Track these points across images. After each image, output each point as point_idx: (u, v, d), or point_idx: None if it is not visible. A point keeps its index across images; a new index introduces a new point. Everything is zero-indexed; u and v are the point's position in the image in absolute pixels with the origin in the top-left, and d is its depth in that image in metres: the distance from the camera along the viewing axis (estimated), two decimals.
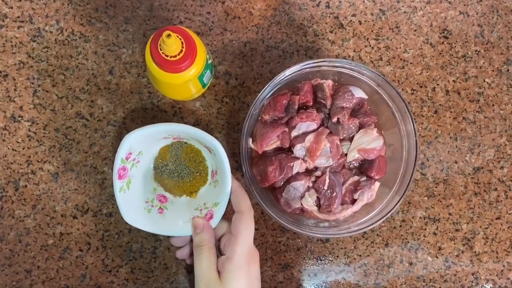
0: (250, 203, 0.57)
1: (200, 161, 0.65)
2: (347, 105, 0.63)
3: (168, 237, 0.67)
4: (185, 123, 0.68)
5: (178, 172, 0.65)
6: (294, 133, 0.63)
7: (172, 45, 0.54)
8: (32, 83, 0.68)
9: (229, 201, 0.59)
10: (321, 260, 0.68)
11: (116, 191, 0.59)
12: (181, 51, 0.56)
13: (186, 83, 0.60)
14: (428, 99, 0.70)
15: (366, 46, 0.70)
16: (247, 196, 0.58)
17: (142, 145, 0.61)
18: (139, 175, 0.63)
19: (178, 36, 0.56)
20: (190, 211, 0.63)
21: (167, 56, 0.56)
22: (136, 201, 0.62)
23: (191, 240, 0.60)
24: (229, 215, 0.59)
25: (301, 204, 0.62)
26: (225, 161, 0.58)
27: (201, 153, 0.65)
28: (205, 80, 0.64)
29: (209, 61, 0.63)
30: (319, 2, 0.70)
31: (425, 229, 0.69)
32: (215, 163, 0.63)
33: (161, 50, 0.55)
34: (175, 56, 0.56)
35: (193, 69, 0.58)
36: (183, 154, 0.65)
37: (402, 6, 0.71)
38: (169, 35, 0.53)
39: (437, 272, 0.69)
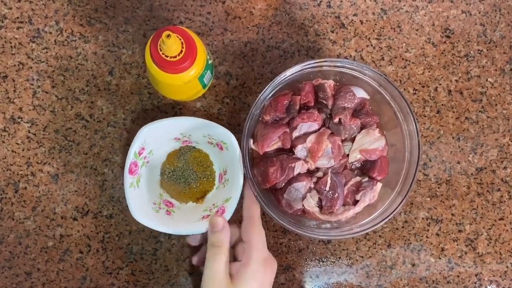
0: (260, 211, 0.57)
1: (208, 166, 0.66)
2: (349, 105, 0.62)
3: (170, 237, 0.67)
4: None
5: (185, 178, 0.65)
6: (295, 134, 0.62)
7: (172, 45, 0.54)
8: (32, 84, 0.67)
9: (241, 194, 0.59)
10: (323, 261, 0.68)
11: (127, 185, 0.59)
12: (181, 51, 0.55)
13: (187, 83, 0.59)
14: (431, 99, 0.70)
15: (367, 46, 0.70)
16: (258, 203, 0.58)
17: (154, 143, 0.62)
18: (147, 178, 0.63)
19: (178, 37, 0.55)
20: (199, 212, 0.63)
21: (167, 56, 0.55)
22: (145, 200, 0.62)
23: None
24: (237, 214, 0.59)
25: (303, 205, 0.62)
26: (238, 153, 0.59)
27: (209, 158, 0.66)
28: (206, 80, 0.63)
29: (210, 62, 0.62)
30: (320, 2, 0.70)
31: (428, 230, 0.69)
32: (224, 162, 0.64)
33: (161, 50, 0.55)
34: (175, 57, 0.55)
35: (193, 69, 0.58)
36: (191, 158, 0.65)
37: (404, 6, 0.71)
38: (169, 36, 0.52)
39: (440, 273, 0.68)
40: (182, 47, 0.55)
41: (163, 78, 0.58)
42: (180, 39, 0.55)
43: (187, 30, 0.57)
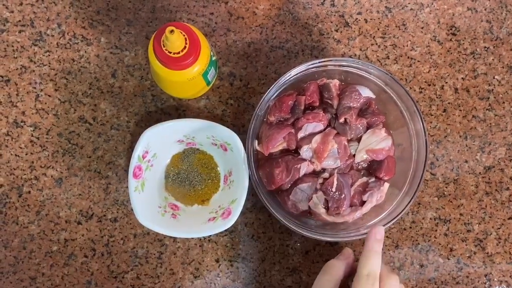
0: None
1: (212, 168, 0.65)
2: (354, 105, 0.62)
3: (175, 240, 0.66)
4: None
5: (189, 180, 0.65)
6: (300, 134, 0.62)
7: (175, 41, 0.53)
8: (34, 88, 0.67)
9: (247, 196, 0.59)
10: None
11: (131, 190, 0.59)
12: (185, 47, 0.55)
13: (190, 80, 0.59)
14: (437, 97, 0.69)
15: (372, 45, 0.69)
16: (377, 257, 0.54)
17: (158, 146, 0.62)
18: (152, 181, 0.63)
19: (181, 32, 0.54)
20: (205, 215, 0.63)
21: (170, 52, 0.54)
22: (150, 204, 0.62)
23: None
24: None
25: (309, 206, 0.62)
26: (243, 154, 0.59)
27: (213, 159, 0.65)
28: (210, 77, 0.62)
29: (213, 58, 0.62)
30: (324, 1, 0.69)
31: (436, 230, 0.68)
32: (229, 163, 0.64)
33: (164, 46, 0.54)
34: (178, 53, 0.54)
35: (197, 66, 0.57)
36: (195, 160, 0.65)
37: (409, 3, 0.70)
38: (172, 31, 0.52)
39: (449, 274, 0.67)
40: (186, 43, 0.55)
41: (167, 75, 0.57)
42: (183, 35, 0.55)
43: (190, 26, 0.57)
